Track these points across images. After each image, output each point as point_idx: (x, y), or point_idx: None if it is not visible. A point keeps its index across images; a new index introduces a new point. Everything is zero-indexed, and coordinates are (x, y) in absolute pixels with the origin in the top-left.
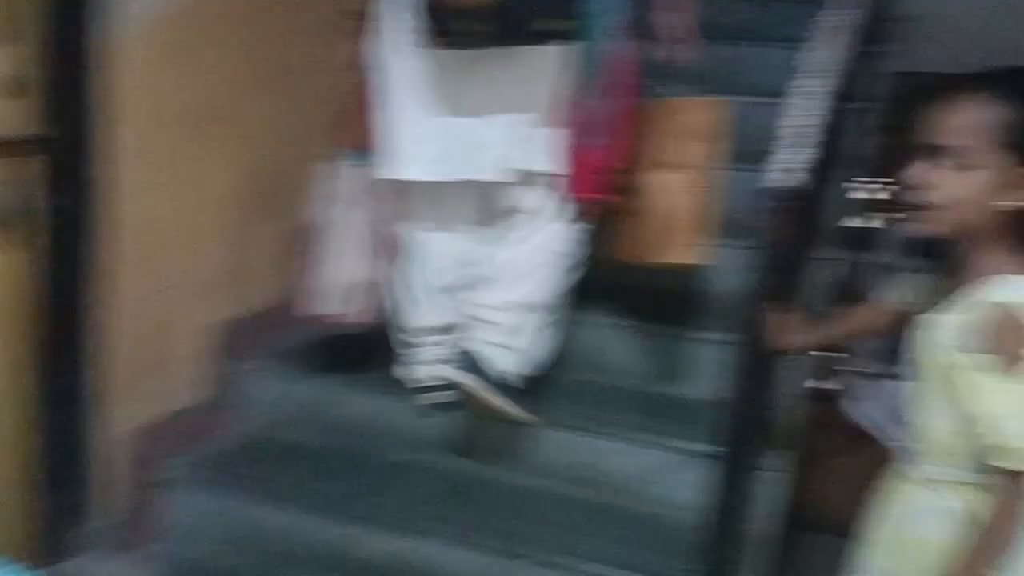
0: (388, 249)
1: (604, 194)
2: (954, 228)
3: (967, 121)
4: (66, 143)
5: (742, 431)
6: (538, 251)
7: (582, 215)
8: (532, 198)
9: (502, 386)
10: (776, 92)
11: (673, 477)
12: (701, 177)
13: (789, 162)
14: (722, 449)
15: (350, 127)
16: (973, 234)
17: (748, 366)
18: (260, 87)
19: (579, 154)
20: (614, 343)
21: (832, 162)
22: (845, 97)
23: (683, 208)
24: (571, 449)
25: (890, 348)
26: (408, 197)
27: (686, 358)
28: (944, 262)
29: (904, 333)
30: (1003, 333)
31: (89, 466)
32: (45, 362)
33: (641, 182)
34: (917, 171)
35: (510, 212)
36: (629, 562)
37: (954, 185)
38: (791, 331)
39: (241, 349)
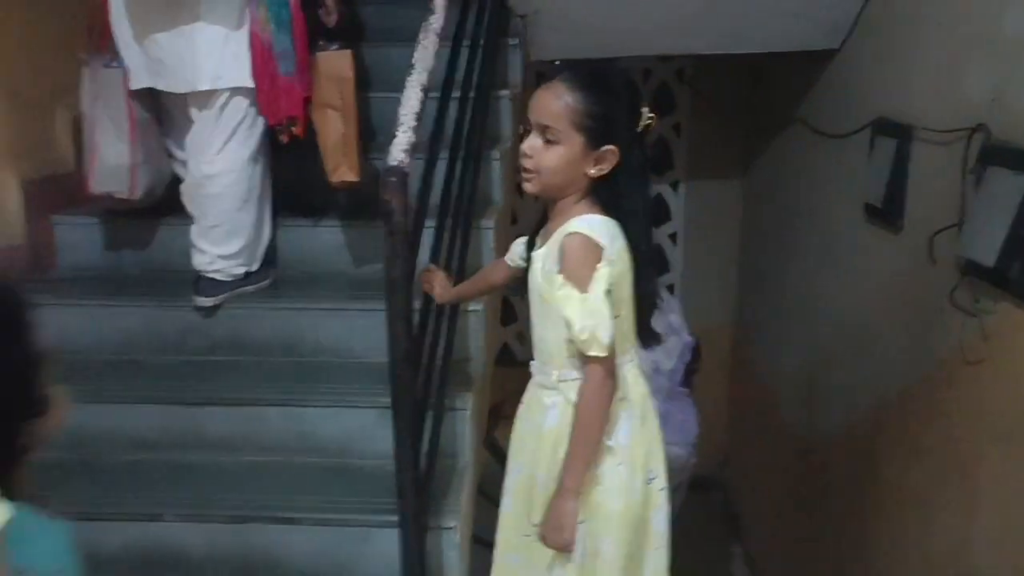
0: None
1: (295, 117)
2: (545, 189)
3: (552, 105)
4: None
5: (408, 384)
6: (239, 165)
7: (278, 134)
8: (236, 111)
9: (237, 283)
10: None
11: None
12: (348, 113)
13: (399, 146)
14: (400, 401)
15: (101, 35)
16: (559, 194)
17: (403, 327)
18: None
19: (276, 79)
20: (309, 326)
21: (459, 143)
22: (459, 85)
23: (340, 138)
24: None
25: None
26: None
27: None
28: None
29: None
30: (573, 254)
31: None
32: None
33: (314, 119)
34: (525, 143)
35: (215, 126)
36: (347, 510)
37: (543, 155)
38: (443, 287)
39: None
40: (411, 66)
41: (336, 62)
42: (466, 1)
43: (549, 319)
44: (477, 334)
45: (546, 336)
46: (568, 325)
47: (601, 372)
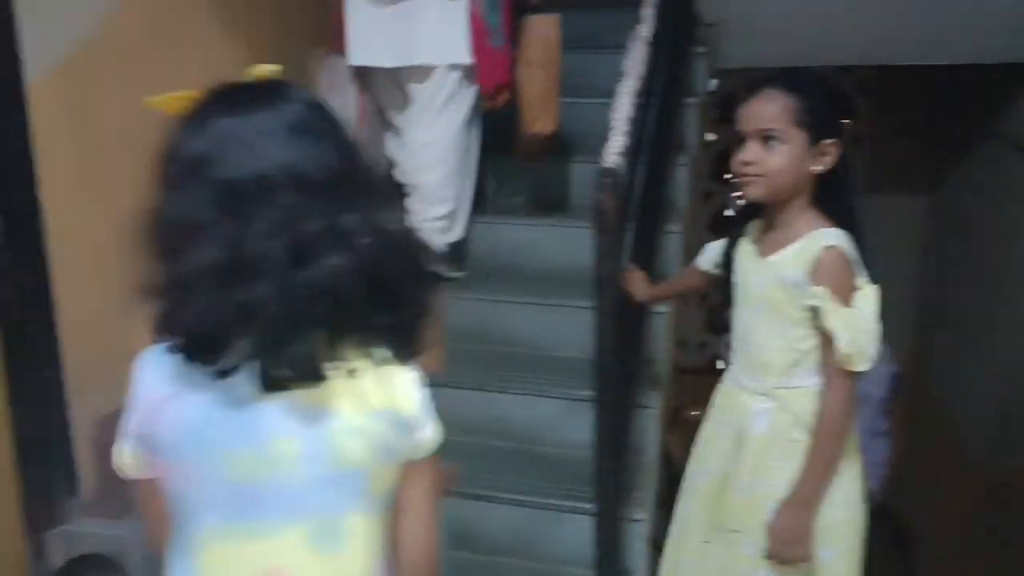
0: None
1: (505, 84)
2: (772, 192)
3: (768, 109)
4: None
5: (613, 378)
6: (452, 132)
7: (489, 101)
8: (453, 83)
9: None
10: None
11: (562, 423)
12: (551, 70)
13: (613, 149)
14: (604, 394)
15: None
16: (786, 196)
17: (611, 323)
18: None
19: (489, 51)
20: (501, 317)
21: (655, 149)
22: (668, 93)
23: (541, 92)
24: (486, 405)
25: None
26: (369, 83)
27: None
28: (756, 222)
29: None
30: (836, 268)
31: (64, 449)
32: (12, 362)
33: (518, 75)
34: (743, 154)
35: (432, 97)
36: (541, 493)
37: (768, 159)
38: (638, 287)
39: None
40: (622, 73)
41: (545, 25)
42: (659, 9)
43: (776, 327)
44: (662, 336)
45: (766, 343)
46: (834, 338)
47: (851, 387)
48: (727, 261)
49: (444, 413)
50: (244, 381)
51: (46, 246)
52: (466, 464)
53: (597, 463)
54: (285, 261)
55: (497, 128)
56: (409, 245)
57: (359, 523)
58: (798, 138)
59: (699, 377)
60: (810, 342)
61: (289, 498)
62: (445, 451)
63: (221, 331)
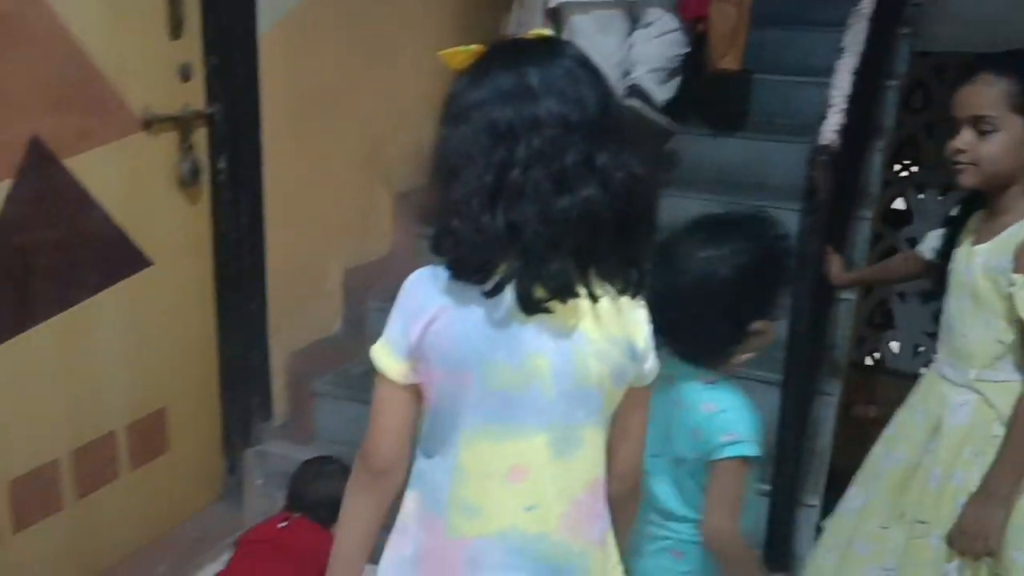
0: None
1: (702, 18)
2: (986, 180)
3: (984, 95)
4: (225, 118)
5: (803, 361)
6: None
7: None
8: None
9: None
10: (818, 71)
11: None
12: (743, 9)
13: (831, 126)
14: (792, 374)
15: None
16: (1003, 183)
17: (808, 305)
18: (374, 68)
19: None
20: None
21: (864, 131)
22: (872, 73)
23: (731, 29)
24: None
25: None
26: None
27: None
28: (972, 211)
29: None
30: None
31: (262, 378)
32: (223, 293)
33: (710, 12)
34: (955, 142)
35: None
36: None
37: (981, 147)
38: (840, 270)
39: (366, 290)
40: (841, 49)
41: None
42: None
43: (980, 317)
44: (846, 323)
45: (970, 334)
46: None
47: None
48: (946, 250)
49: None
50: (506, 301)
51: (264, 188)
52: None
53: (779, 444)
54: (546, 188)
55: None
56: (650, 188)
57: (591, 435)
58: (1015, 123)
59: (909, 382)
60: (1015, 334)
61: (538, 408)
62: None
63: (488, 250)
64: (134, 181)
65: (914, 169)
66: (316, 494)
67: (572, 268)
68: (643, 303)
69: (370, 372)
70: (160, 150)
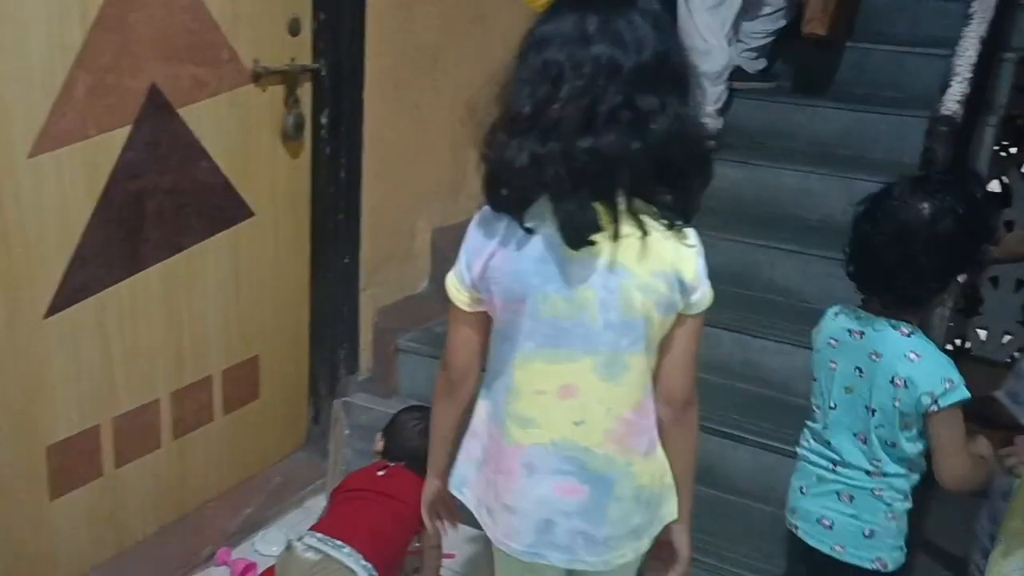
0: None
1: None
2: None
3: None
4: (330, 73)
5: None
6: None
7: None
8: None
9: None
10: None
11: None
12: None
13: (953, 96)
14: None
15: None
16: None
17: None
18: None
19: None
20: (765, 262)
21: (979, 105)
22: (994, 44)
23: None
24: (740, 347)
25: None
26: None
27: (831, 279)
28: None
29: None
30: None
31: (351, 331)
32: (319, 246)
33: None
34: None
35: None
36: (790, 441)
37: None
38: None
39: (453, 250)
40: (969, 16)
41: None
42: None
43: None
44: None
45: None
46: None
47: None
48: None
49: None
50: (557, 239)
51: (363, 144)
52: (714, 402)
53: None
54: (573, 127)
55: None
56: (699, 134)
57: (636, 361)
58: None
59: (994, 370)
60: None
61: (586, 335)
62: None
63: (513, 183)
64: (241, 133)
65: (1013, 150)
66: (415, 444)
67: (591, 206)
68: (694, 239)
69: None
70: (267, 103)
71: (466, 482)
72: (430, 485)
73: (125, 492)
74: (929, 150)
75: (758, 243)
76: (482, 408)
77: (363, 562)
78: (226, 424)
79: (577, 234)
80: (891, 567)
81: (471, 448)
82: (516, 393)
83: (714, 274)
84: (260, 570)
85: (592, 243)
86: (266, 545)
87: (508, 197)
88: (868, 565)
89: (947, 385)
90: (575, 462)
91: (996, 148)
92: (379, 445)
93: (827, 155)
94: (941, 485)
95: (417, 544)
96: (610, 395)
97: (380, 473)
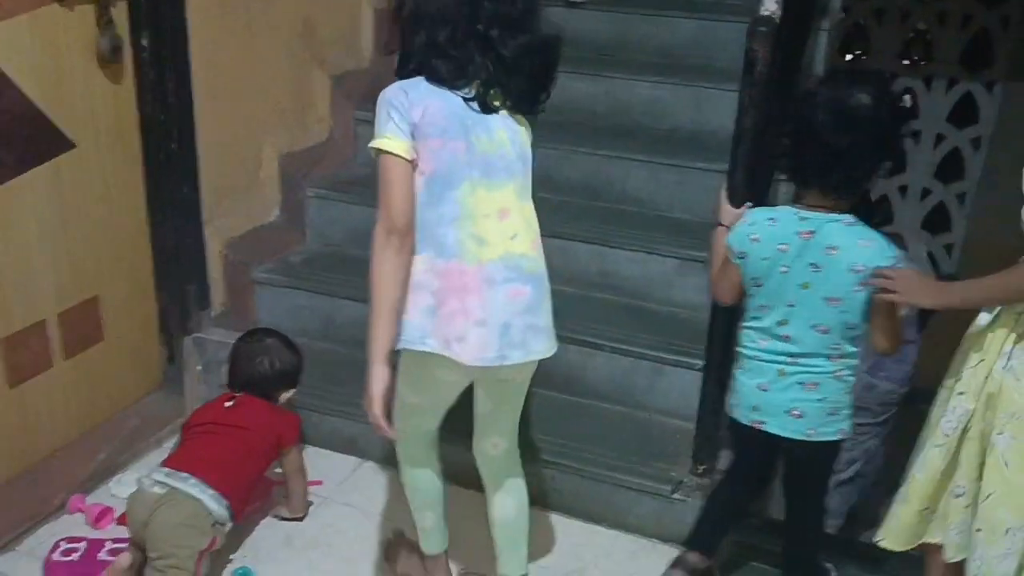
0: None
1: None
2: None
3: None
4: None
5: None
6: None
7: None
8: None
9: None
10: None
11: (671, 281)
12: None
13: None
14: None
15: None
16: None
17: (742, 178)
18: None
19: None
20: (618, 174)
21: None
22: None
23: None
24: (596, 258)
25: None
26: None
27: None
28: None
29: None
30: None
31: (198, 265)
32: (153, 178)
33: None
34: None
35: None
36: (644, 345)
37: None
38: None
39: (303, 176)
40: None
41: None
42: None
43: None
44: None
45: None
46: None
47: None
48: None
49: (554, 264)
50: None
51: (191, 67)
52: (573, 313)
53: (712, 316)
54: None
55: None
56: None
57: (530, 183)
58: None
59: None
60: None
61: (507, 166)
62: (553, 300)
63: (461, 73)
64: (49, 57)
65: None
66: (260, 368)
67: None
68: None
69: (309, 261)
70: (76, 24)
71: (426, 332)
72: (378, 372)
73: None
74: (751, 51)
75: (611, 155)
76: (421, 260)
77: (209, 491)
78: (68, 369)
79: (488, 104)
80: (847, 431)
81: (418, 301)
82: (468, 219)
83: (569, 187)
84: (117, 514)
85: (497, 109)
86: (122, 488)
87: (454, 79)
88: (832, 438)
89: (893, 260)
90: (516, 269)
91: (850, 58)
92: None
93: (676, 65)
94: (879, 351)
95: (278, 470)
96: (525, 212)
97: (227, 404)
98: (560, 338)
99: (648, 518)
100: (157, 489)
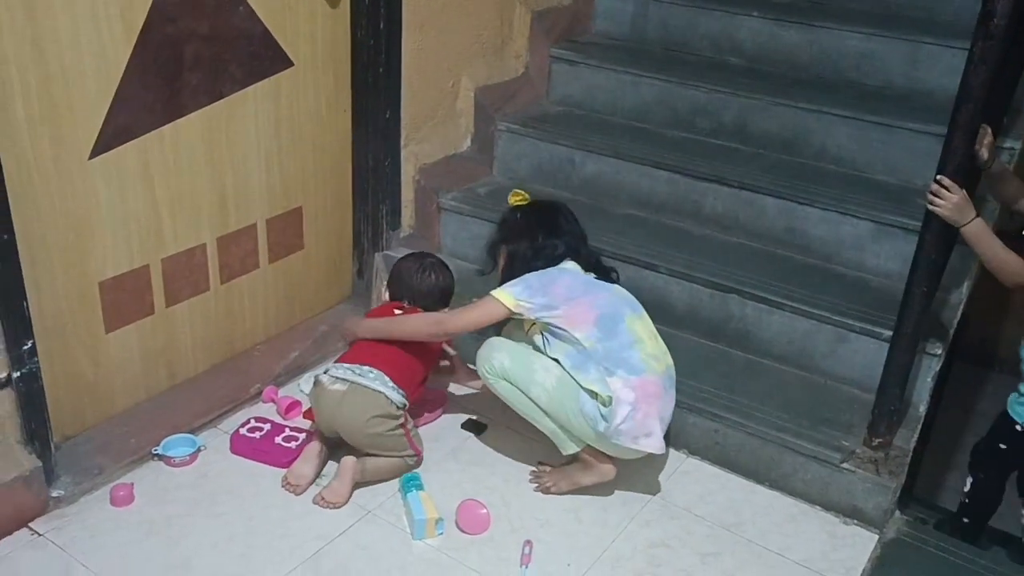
0: None
1: None
2: None
3: None
4: None
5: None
6: None
7: None
8: None
9: None
10: None
11: (863, 245)
12: None
13: None
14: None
15: None
16: None
17: (964, 140)
18: None
19: None
20: (819, 129)
21: None
22: None
23: None
24: (786, 214)
25: None
26: None
27: (887, 146)
28: None
29: None
30: None
31: (393, 187)
32: (360, 99)
33: None
34: None
35: None
36: (828, 308)
37: None
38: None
39: (497, 111)
40: None
41: None
42: None
43: None
44: None
45: None
46: None
47: None
48: None
49: (740, 219)
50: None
51: None
52: (754, 267)
53: (908, 286)
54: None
55: None
56: None
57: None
58: None
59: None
60: None
61: (638, 304)
62: (734, 253)
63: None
64: None
65: None
66: (425, 284)
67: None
68: None
69: (494, 193)
70: None
71: (651, 434)
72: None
73: (176, 330)
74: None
75: (812, 109)
76: (616, 383)
77: (390, 383)
78: (271, 272)
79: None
80: None
81: (620, 414)
82: (641, 342)
83: (764, 139)
84: (303, 408)
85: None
86: (309, 386)
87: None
88: None
89: None
90: (670, 376)
91: None
92: (385, 295)
93: (893, 16)
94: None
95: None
96: (658, 334)
97: (398, 312)
98: (738, 292)
99: (813, 484)
100: (339, 386)
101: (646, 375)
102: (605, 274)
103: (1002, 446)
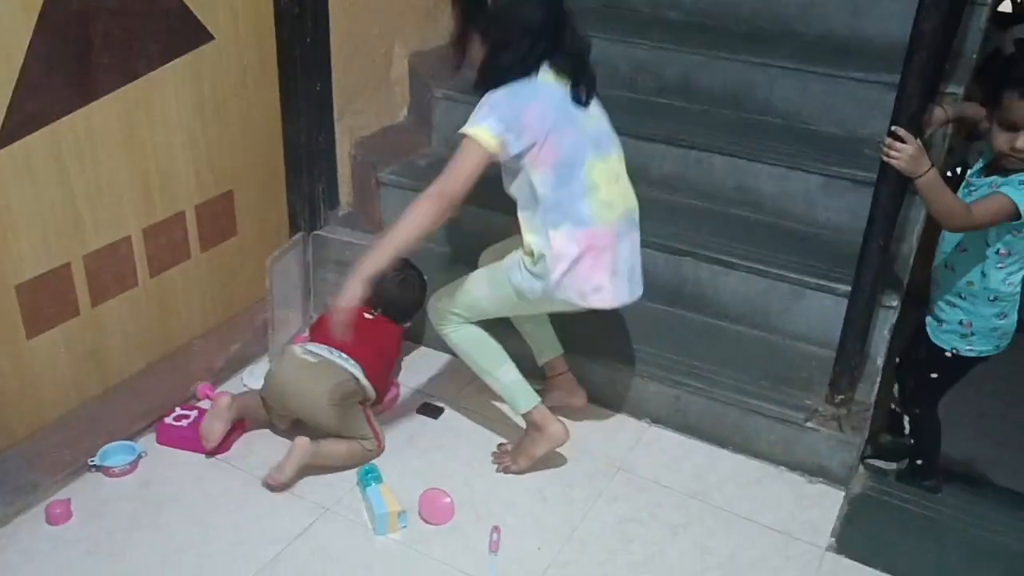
0: None
1: None
2: None
3: None
4: None
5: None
6: None
7: None
8: None
9: None
10: None
11: (814, 200)
12: None
13: None
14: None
15: None
16: None
17: (918, 89)
18: None
19: None
20: (763, 82)
21: None
22: None
23: None
24: (735, 172)
25: None
26: None
27: (832, 97)
28: None
29: None
30: None
31: (328, 163)
32: (287, 72)
33: None
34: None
35: None
36: (782, 266)
37: None
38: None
39: (433, 78)
40: None
41: None
42: None
43: None
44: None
45: None
46: None
47: None
48: None
49: (689, 179)
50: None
51: None
52: (706, 229)
53: (864, 241)
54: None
55: None
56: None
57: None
58: None
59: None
60: None
61: (608, 140)
62: (685, 215)
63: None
64: None
65: None
66: (398, 296)
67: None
68: None
69: (435, 164)
70: None
71: (600, 288)
72: (358, 292)
73: (105, 331)
74: None
75: (756, 62)
76: (559, 236)
77: (360, 368)
78: (205, 261)
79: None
80: None
81: (559, 268)
82: (597, 188)
83: (708, 96)
84: None
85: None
86: (254, 379)
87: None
88: None
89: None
90: (631, 222)
91: None
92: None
93: None
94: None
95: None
96: (624, 175)
97: (368, 316)
98: (691, 255)
99: (777, 444)
100: (310, 358)
101: (596, 226)
102: (587, 87)
103: (933, 375)
